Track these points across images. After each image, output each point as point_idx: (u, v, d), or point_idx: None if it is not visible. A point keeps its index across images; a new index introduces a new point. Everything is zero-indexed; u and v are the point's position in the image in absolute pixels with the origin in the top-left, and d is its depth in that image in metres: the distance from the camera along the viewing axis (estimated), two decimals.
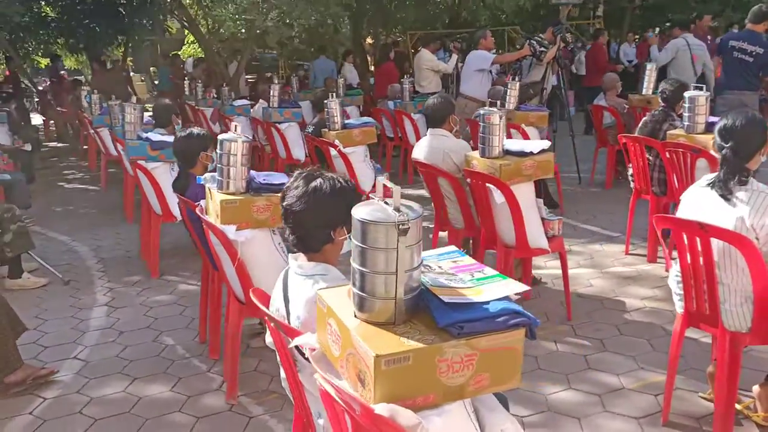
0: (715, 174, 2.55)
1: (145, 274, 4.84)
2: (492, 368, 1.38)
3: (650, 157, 4.58)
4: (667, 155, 4.28)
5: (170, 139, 4.78)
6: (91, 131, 8.06)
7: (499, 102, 4.17)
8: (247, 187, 2.94)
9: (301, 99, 10.44)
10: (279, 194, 2.94)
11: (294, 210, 1.89)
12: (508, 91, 5.93)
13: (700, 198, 2.58)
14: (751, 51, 6.06)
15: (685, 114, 4.20)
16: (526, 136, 5.81)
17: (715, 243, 2.45)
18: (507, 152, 3.66)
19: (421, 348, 1.30)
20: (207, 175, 3.07)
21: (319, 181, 1.90)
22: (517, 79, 7.23)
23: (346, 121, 5.49)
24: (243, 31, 7.66)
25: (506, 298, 1.49)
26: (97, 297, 4.43)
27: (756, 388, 2.66)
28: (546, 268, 4.66)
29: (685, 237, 2.50)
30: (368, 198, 1.48)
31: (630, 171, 4.80)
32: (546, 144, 3.67)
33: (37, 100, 13.62)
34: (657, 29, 10.62)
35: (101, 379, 3.30)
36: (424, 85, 8.38)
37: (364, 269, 1.39)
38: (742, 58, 6.10)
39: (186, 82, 11.55)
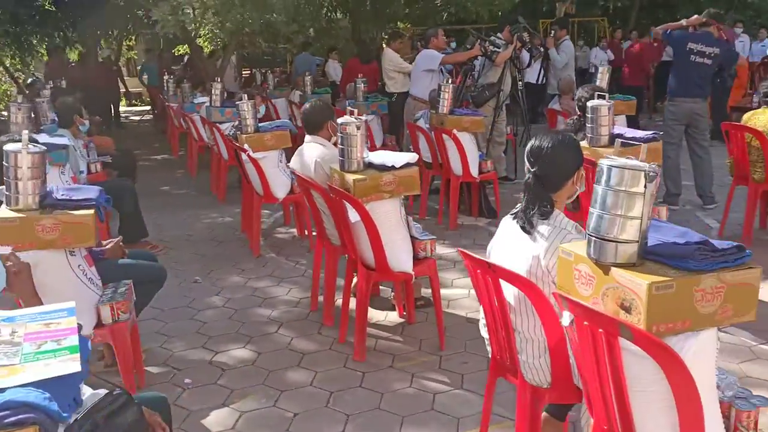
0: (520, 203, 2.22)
1: None
2: None
3: None
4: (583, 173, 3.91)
5: (61, 141, 4.59)
6: None
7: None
8: (40, 202, 2.70)
9: (276, 96, 10.27)
10: (74, 212, 2.72)
11: None
12: (442, 93, 5.57)
13: (507, 229, 2.25)
14: (709, 53, 5.63)
15: (588, 125, 3.83)
16: (458, 143, 5.46)
17: (510, 286, 2.12)
18: (370, 165, 3.36)
19: None
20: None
21: None
22: (469, 80, 6.91)
23: (260, 124, 5.21)
24: (173, 33, 7.42)
25: (61, 379, 1.20)
26: None
27: None
28: (452, 287, 4.34)
29: (479, 276, 2.18)
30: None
31: None
32: (412, 157, 3.35)
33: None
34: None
35: None
36: (389, 85, 8.07)
37: None
38: (701, 62, 5.67)
39: (165, 78, 11.43)
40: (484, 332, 2.35)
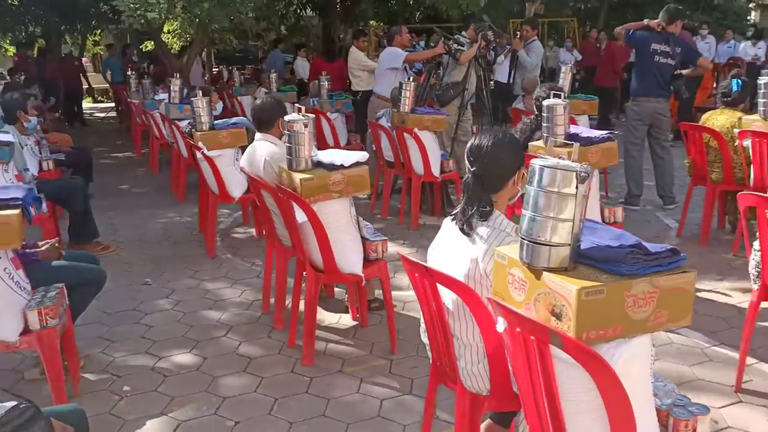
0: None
1: None
2: None
3: None
4: (524, 173, 3.86)
5: (5, 137, 4.40)
6: None
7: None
8: None
9: (242, 94, 10.12)
10: None
11: None
12: (403, 92, 5.50)
13: (447, 231, 2.18)
14: (672, 53, 5.63)
15: (544, 124, 3.77)
16: (419, 142, 5.39)
17: (448, 290, 2.05)
18: (319, 164, 3.26)
19: None
20: None
21: None
22: (433, 78, 6.84)
23: (216, 122, 5.08)
24: (142, 22, 7.22)
25: None
26: None
27: None
28: (408, 289, 4.24)
29: (418, 280, 2.10)
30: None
31: None
32: (362, 156, 3.26)
33: None
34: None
35: None
36: (354, 83, 7.99)
37: None
38: (665, 63, 5.67)
39: (129, 74, 11.18)
40: (424, 338, 2.27)
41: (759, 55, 12.58)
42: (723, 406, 2.80)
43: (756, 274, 2.80)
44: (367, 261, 3.33)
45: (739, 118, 4.60)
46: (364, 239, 3.35)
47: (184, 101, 6.76)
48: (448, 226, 2.16)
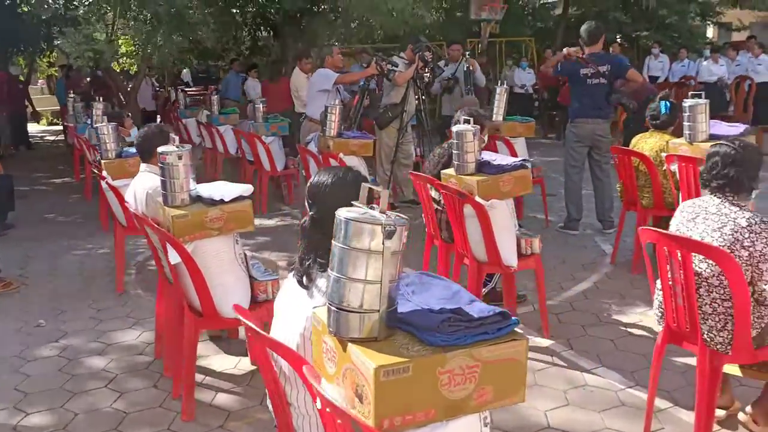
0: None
1: None
2: None
3: (436, 197, 3.94)
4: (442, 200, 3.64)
5: None
6: None
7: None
8: None
9: (187, 116, 9.84)
10: None
11: None
12: (329, 115, 5.27)
13: (288, 283, 1.91)
14: (603, 71, 5.47)
15: (454, 152, 3.54)
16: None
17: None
18: (199, 198, 2.99)
19: None
20: None
21: None
22: (367, 100, 6.65)
23: (126, 149, 4.79)
24: (90, 65, 6.98)
25: None
26: None
27: None
28: None
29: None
30: None
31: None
32: (246, 189, 3.00)
33: None
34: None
35: None
36: (297, 105, 7.75)
37: None
38: (597, 83, 5.51)
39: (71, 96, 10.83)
40: (269, 403, 1.99)
41: (722, 75, 11.58)
42: None
43: (659, 314, 2.58)
44: (254, 302, 3.05)
45: (667, 142, 4.43)
46: (252, 279, 3.08)
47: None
48: (289, 278, 1.90)
